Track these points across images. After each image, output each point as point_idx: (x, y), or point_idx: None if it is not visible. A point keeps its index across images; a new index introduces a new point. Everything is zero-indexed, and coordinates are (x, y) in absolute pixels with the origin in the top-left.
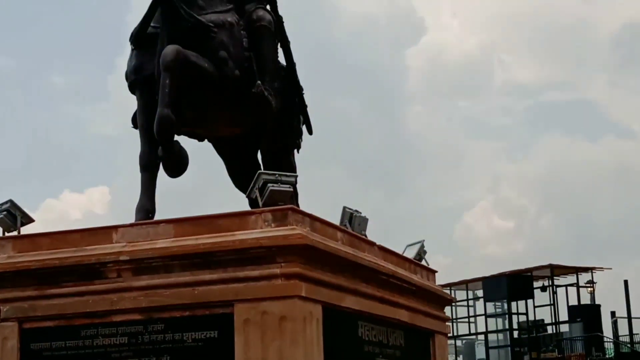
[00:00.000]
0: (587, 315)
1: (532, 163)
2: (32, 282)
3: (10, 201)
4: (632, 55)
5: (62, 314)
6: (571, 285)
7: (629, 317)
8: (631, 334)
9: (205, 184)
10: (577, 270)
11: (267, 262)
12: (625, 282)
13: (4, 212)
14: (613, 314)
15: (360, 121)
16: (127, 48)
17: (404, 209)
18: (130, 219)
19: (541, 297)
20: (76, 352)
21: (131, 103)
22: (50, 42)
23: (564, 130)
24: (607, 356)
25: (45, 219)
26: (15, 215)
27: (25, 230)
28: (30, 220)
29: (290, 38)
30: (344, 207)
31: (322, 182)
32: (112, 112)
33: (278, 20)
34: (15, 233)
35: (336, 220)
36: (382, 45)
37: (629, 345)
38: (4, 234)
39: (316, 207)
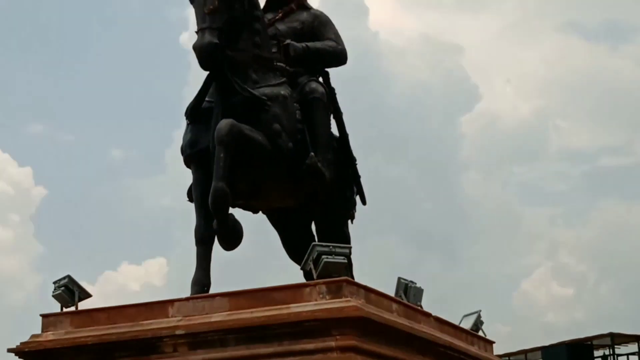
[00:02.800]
0: None
1: (590, 229)
2: (89, 358)
3: (69, 277)
4: None
5: None
6: (633, 354)
7: None
8: None
9: (260, 256)
10: (638, 339)
11: (323, 335)
12: None
13: (62, 288)
14: None
15: (414, 189)
16: (183, 122)
17: (460, 277)
18: (188, 291)
19: None
20: None
21: (187, 176)
22: (108, 117)
23: (622, 195)
24: None
25: (104, 291)
26: (73, 291)
27: (83, 305)
28: (88, 296)
29: (343, 108)
30: (399, 278)
31: (377, 252)
32: (169, 184)
33: (330, 92)
34: (73, 308)
35: (391, 292)
36: (437, 113)
37: None
38: (62, 309)
39: (371, 278)
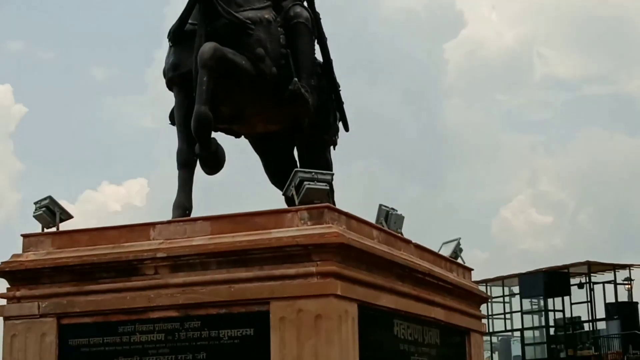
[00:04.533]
0: (624, 312)
1: (571, 157)
2: (70, 279)
3: (50, 197)
4: None
5: (99, 310)
6: (609, 282)
7: None
8: None
9: (242, 181)
10: (614, 267)
11: (303, 260)
12: None
13: (43, 209)
14: None
15: (397, 115)
16: (165, 42)
17: (441, 204)
18: (169, 212)
19: (578, 294)
20: (113, 348)
21: (169, 98)
22: (89, 35)
23: (604, 124)
24: None
25: (84, 210)
26: (54, 212)
27: (64, 226)
28: (69, 217)
29: (327, 34)
30: (380, 205)
31: (359, 178)
32: (150, 105)
33: (315, 17)
34: (54, 229)
35: (372, 218)
36: (421, 38)
37: None
38: (42, 230)
39: (352, 204)
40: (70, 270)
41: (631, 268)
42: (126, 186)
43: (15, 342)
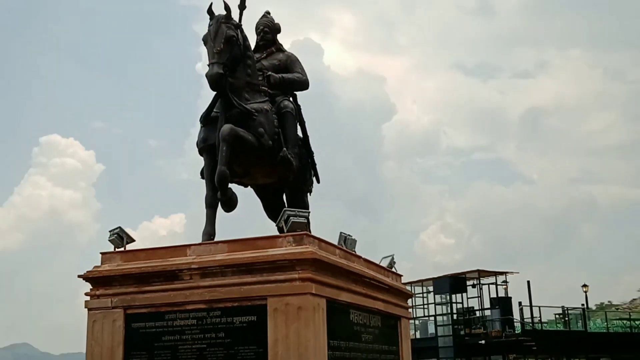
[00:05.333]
0: (502, 304)
1: (466, 200)
2: (132, 282)
3: (119, 227)
4: (533, 129)
5: (152, 304)
6: (492, 283)
7: (530, 306)
8: (532, 317)
9: (249, 216)
10: (495, 274)
11: (289, 270)
12: (528, 282)
13: (115, 235)
14: (520, 303)
15: (351, 172)
16: (198, 123)
17: (381, 231)
18: (199, 237)
19: (472, 292)
20: (161, 329)
21: (199, 161)
22: (147, 117)
23: (487, 178)
24: (515, 332)
25: (142, 235)
26: (122, 237)
27: (129, 246)
28: (132, 240)
29: (305, 117)
30: (340, 232)
31: (326, 214)
32: (188, 164)
33: (297, 107)
34: (122, 249)
35: (335, 241)
36: (367, 121)
37: (530, 324)
38: (114, 249)
39: (321, 232)
40: (132, 276)
41: (506, 274)
42: (170, 219)
43: (95, 325)
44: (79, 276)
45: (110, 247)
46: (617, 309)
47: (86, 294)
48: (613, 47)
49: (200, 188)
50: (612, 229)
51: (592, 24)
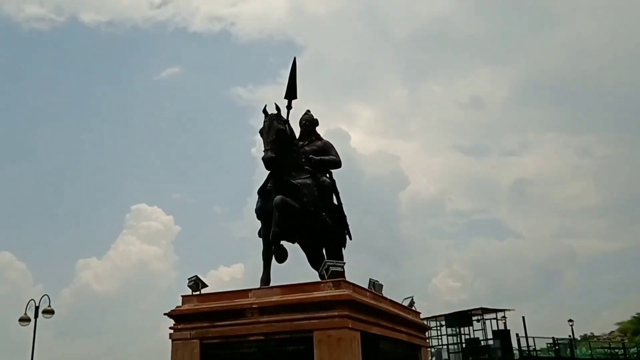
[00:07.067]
0: (502, 335)
1: (469, 251)
2: (206, 319)
3: (196, 276)
4: (521, 195)
5: (222, 336)
6: (493, 318)
7: (526, 336)
8: (527, 346)
9: (297, 266)
10: (496, 311)
11: (330, 309)
12: (523, 317)
13: (192, 281)
14: (517, 335)
15: (376, 230)
16: (253, 195)
17: (401, 277)
18: (257, 284)
19: (477, 325)
20: (230, 356)
21: (256, 223)
22: (215, 188)
23: (485, 234)
24: (514, 358)
25: (210, 281)
26: (198, 283)
27: (203, 290)
28: (205, 285)
29: (339, 189)
30: (370, 279)
31: (356, 264)
32: (245, 225)
33: (333, 181)
34: (198, 292)
35: (365, 285)
36: (386, 190)
37: (526, 352)
38: (192, 293)
39: (354, 279)
40: (206, 314)
41: (505, 311)
42: (232, 268)
43: (178, 353)
44: (165, 314)
45: (188, 291)
46: (599, 339)
47: (170, 328)
48: (581, 130)
49: (256, 244)
50: (591, 274)
51: (564, 112)
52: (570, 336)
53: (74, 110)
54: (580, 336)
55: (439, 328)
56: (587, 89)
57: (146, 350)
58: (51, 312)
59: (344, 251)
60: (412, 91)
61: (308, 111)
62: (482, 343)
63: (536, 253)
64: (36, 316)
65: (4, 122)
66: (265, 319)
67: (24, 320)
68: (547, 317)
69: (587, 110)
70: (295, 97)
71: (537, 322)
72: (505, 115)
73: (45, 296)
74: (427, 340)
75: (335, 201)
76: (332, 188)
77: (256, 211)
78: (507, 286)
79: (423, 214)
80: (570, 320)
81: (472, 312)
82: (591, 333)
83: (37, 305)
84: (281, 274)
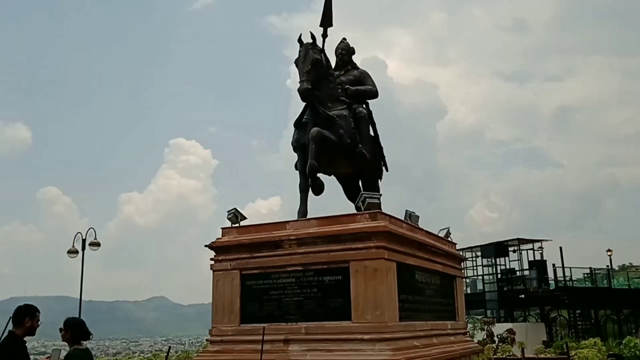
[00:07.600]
0: (538, 266)
1: (506, 182)
2: (246, 250)
3: (235, 208)
4: (562, 122)
5: (261, 267)
6: (530, 249)
7: (563, 267)
8: (564, 276)
9: (333, 198)
10: (532, 241)
11: (367, 240)
12: (560, 247)
13: (232, 214)
14: (553, 265)
15: (412, 162)
16: (291, 127)
17: (437, 209)
18: (294, 216)
19: (513, 256)
20: (269, 286)
21: (292, 156)
22: (250, 122)
23: (524, 164)
24: (550, 288)
25: (250, 214)
26: (237, 215)
27: (242, 223)
28: (244, 218)
29: (376, 120)
30: (406, 210)
31: (393, 196)
32: (282, 159)
33: (369, 112)
34: (237, 225)
35: (401, 217)
36: (424, 119)
37: (562, 282)
38: (231, 225)
39: (390, 210)
40: (246, 246)
41: (542, 242)
42: (269, 201)
43: (218, 283)
44: (206, 245)
45: (228, 223)
46: (637, 269)
47: (211, 259)
48: (631, 53)
49: (293, 177)
50: (632, 203)
51: (612, 33)
52: (608, 266)
53: (111, 44)
54: (619, 266)
55: (474, 259)
56: (638, 6)
57: (188, 281)
58: (97, 244)
59: (380, 183)
60: (451, 15)
61: (344, 39)
62: (518, 273)
63: (576, 182)
64: (83, 248)
65: (44, 57)
66: (302, 250)
67: (72, 252)
68: (586, 248)
69: (637, 31)
70: (331, 25)
71: (575, 252)
72: (549, 39)
73: (92, 229)
74: (463, 271)
75: (371, 132)
76: (369, 119)
77: (292, 144)
78: (545, 217)
79: (461, 144)
80: (608, 250)
81: (509, 242)
82: (630, 263)
83: (83, 237)
84: (318, 206)
